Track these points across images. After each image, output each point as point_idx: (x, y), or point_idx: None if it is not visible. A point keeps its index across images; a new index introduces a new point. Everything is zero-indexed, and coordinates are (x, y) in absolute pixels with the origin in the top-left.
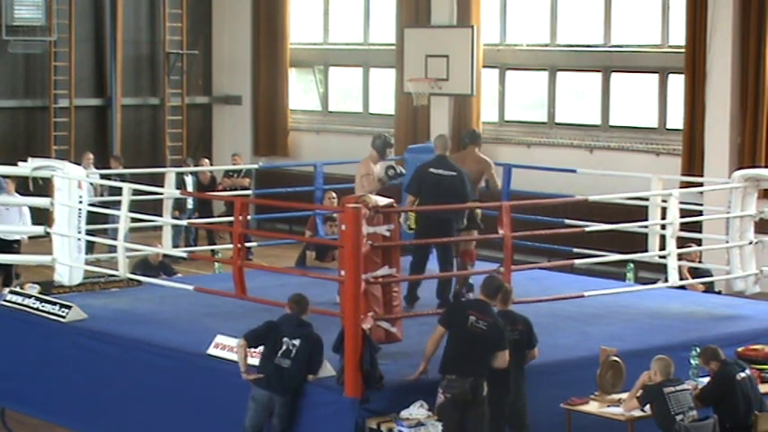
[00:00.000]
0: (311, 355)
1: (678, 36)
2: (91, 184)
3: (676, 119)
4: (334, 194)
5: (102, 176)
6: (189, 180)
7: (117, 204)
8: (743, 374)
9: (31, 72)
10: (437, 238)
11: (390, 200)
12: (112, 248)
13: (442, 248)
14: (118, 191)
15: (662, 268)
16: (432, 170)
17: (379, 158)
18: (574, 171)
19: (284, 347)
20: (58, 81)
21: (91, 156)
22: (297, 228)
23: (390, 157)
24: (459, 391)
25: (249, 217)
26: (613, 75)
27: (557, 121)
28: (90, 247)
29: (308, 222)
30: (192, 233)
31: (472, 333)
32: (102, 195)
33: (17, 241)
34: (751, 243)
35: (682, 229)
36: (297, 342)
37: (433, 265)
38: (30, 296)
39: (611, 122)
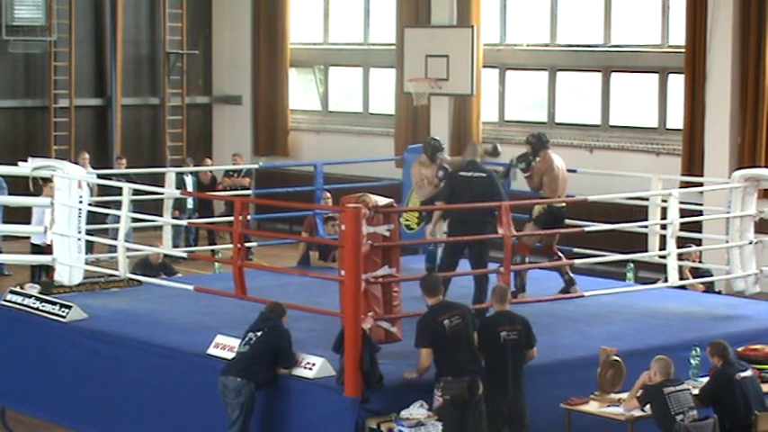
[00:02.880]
0: (275, 344)
1: (678, 36)
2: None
3: (676, 119)
4: (329, 194)
5: (104, 176)
6: (189, 180)
7: (117, 204)
8: (743, 374)
9: (31, 72)
10: (472, 242)
11: (390, 200)
12: (112, 248)
13: (476, 251)
14: (117, 190)
15: (662, 268)
16: (462, 173)
17: (430, 163)
18: (574, 171)
19: (247, 338)
20: (58, 81)
21: (87, 155)
22: (297, 228)
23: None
24: (458, 393)
25: (249, 217)
26: (613, 75)
27: (557, 121)
28: (90, 247)
29: (305, 223)
30: (193, 233)
31: (454, 334)
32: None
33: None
34: (751, 243)
35: (682, 229)
36: (259, 333)
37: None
38: (30, 296)
39: (611, 122)
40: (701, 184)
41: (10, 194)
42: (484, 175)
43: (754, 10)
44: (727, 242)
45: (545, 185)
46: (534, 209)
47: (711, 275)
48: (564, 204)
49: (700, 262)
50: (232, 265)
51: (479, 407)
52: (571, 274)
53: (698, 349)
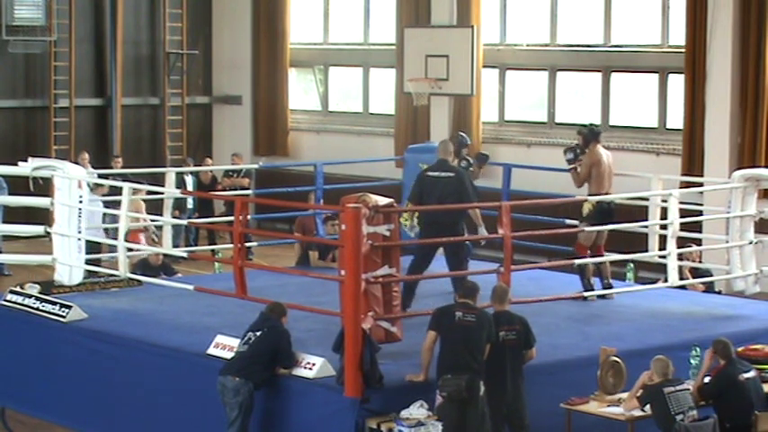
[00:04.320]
0: (274, 344)
1: (678, 36)
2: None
3: (676, 119)
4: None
5: (103, 176)
6: (189, 180)
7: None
8: (747, 375)
9: (31, 72)
10: (447, 243)
11: (390, 199)
12: (113, 248)
13: (451, 252)
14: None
15: (662, 268)
16: (429, 173)
17: (455, 158)
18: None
19: (246, 338)
20: (58, 81)
21: (86, 155)
22: None
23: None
24: (455, 389)
25: (249, 217)
26: (613, 75)
27: (557, 121)
28: (90, 248)
29: (296, 223)
30: (193, 233)
31: (462, 327)
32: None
33: None
34: (751, 243)
35: (682, 229)
36: (258, 333)
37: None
38: (30, 296)
39: (611, 122)
40: (701, 184)
41: (10, 194)
42: (452, 174)
43: (754, 10)
44: (727, 242)
45: (592, 180)
46: (583, 207)
47: (711, 275)
48: (611, 200)
49: (699, 262)
50: (232, 265)
51: (482, 407)
52: (611, 280)
53: (698, 349)
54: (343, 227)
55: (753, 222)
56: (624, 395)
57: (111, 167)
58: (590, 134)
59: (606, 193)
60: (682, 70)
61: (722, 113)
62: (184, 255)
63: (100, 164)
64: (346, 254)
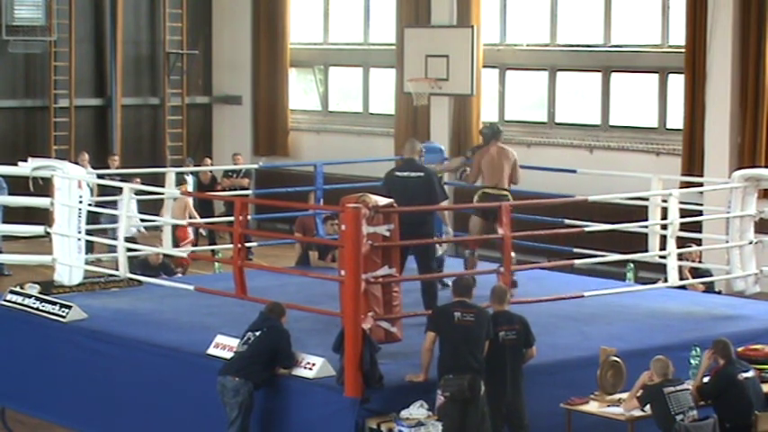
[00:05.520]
0: (274, 344)
1: (678, 36)
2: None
3: (676, 119)
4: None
5: (103, 176)
6: (189, 180)
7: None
8: (746, 375)
9: (31, 72)
10: (414, 244)
11: (390, 200)
12: (112, 248)
13: (421, 255)
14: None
15: (662, 268)
16: (397, 173)
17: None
18: (574, 171)
19: (245, 338)
20: (58, 81)
21: (86, 155)
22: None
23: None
24: (458, 389)
25: (249, 217)
26: (613, 75)
27: (557, 121)
28: (90, 247)
29: (296, 223)
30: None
31: (462, 327)
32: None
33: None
34: (751, 243)
35: (682, 229)
36: (257, 333)
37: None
38: (30, 296)
39: (611, 122)
40: (701, 184)
41: (10, 194)
42: (421, 174)
43: (754, 10)
44: (727, 242)
45: (483, 177)
46: (474, 200)
47: (711, 275)
48: (506, 190)
49: (700, 262)
50: (232, 265)
51: (482, 407)
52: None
53: (698, 349)
54: (343, 227)
55: (753, 222)
56: (624, 395)
57: (108, 166)
58: (490, 133)
59: (494, 187)
60: (682, 70)
61: (722, 113)
62: (184, 255)
63: (100, 164)
64: (346, 254)
